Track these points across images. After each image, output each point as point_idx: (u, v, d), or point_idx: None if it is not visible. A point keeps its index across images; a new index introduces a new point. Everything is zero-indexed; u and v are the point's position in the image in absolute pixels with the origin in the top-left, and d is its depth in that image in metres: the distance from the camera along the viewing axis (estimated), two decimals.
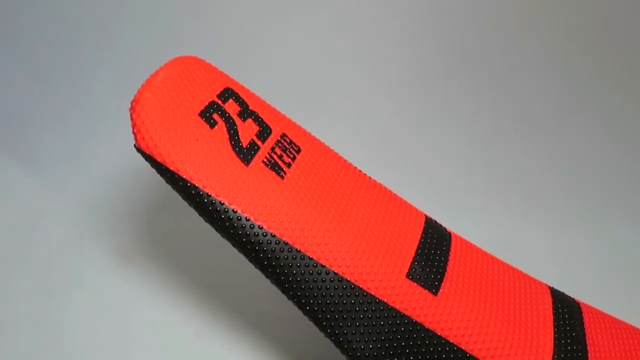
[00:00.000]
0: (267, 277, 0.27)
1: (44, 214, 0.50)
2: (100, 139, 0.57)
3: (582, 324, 0.31)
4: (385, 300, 0.27)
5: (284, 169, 0.29)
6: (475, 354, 0.27)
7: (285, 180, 0.28)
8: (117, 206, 0.51)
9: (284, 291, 0.27)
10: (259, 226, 0.26)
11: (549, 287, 0.33)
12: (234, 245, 0.27)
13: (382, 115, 0.62)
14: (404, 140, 0.60)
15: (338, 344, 0.27)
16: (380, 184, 0.33)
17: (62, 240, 0.48)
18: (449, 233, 0.32)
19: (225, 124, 0.28)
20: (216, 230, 0.27)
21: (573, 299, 0.33)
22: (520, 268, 0.34)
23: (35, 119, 0.59)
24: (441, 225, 0.33)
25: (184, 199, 0.27)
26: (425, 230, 0.31)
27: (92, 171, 0.54)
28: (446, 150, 0.59)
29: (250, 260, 0.27)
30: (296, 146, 0.30)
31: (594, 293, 0.41)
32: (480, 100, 0.63)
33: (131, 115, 0.26)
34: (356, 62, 0.61)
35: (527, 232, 0.51)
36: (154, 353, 0.40)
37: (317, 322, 0.27)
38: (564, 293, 0.33)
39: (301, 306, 0.27)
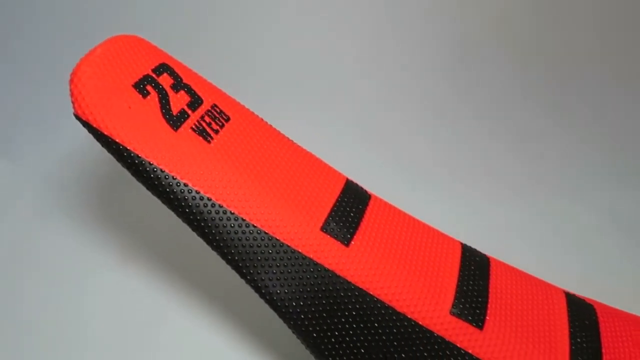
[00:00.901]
0: (193, 230, 0.30)
1: (10, 194, 0.53)
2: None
3: (488, 275, 0.34)
4: (300, 251, 0.30)
5: (212, 134, 0.32)
6: (382, 298, 0.30)
7: (212, 144, 0.31)
8: (82, 184, 0.54)
9: (208, 242, 0.30)
10: (184, 184, 0.29)
11: (461, 244, 0.36)
12: (163, 202, 0.30)
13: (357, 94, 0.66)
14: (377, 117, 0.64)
15: (257, 289, 0.30)
16: (306, 151, 0.36)
17: (29, 219, 0.50)
18: (369, 195, 0.35)
19: (158, 95, 0.31)
20: (147, 188, 0.30)
21: (484, 255, 0.36)
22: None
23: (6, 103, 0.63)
24: (362, 188, 0.36)
25: (118, 160, 0.30)
26: (344, 191, 0.34)
27: (61, 150, 0.57)
28: (414, 129, 0.62)
29: (178, 216, 0.30)
30: (226, 115, 0.33)
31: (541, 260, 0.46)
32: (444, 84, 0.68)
33: (70, 86, 0.29)
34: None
35: (484, 206, 0.54)
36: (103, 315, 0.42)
37: (238, 270, 0.30)
38: (475, 249, 0.36)
39: (223, 256, 0.30)
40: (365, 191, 0.36)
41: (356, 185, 0.36)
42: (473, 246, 0.37)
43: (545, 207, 0.54)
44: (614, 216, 0.54)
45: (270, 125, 0.36)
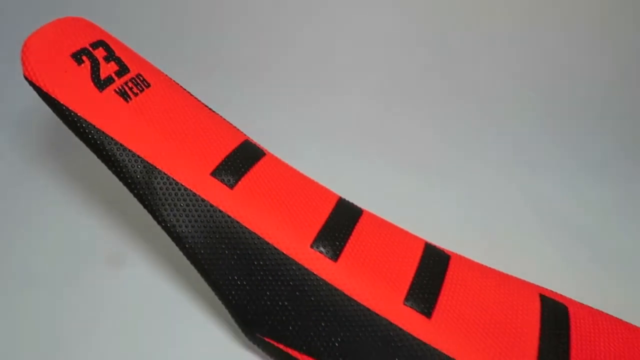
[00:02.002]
0: (112, 172, 0.38)
1: None
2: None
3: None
4: (195, 192, 0.38)
5: (131, 96, 0.40)
6: (263, 236, 0.38)
7: (129, 103, 0.39)
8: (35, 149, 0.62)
9: (124, 184, 0.38)
10: (102, 132, 0.38)
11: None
12: (88, 147, 0.38)
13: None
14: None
15: (166, 229, 0.38)
16: (215, 113, 0.44)
17: None
18: (264, 152, 0.43)
19: (91, 63, 0.39)
20: (77, 136, 0.38)
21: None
22: None
23: None
24: (258, 146, 0.43)
25: (56, 114, 0.38)
26: (241, 145, 0.42)
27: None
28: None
29: (99, 158, 0.38)
30: (147, 83, 0.42)
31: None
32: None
33: (21, 53, 0.38)
34: None
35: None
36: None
37: (147, 208, 0.38)
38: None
39: (134, 194, 0.38)
40: (261, 149, 0.43)
41: (253, 144, 0.43)
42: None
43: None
44: None
45: (190, 95, 0.44)
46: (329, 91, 0.74)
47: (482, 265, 0.43)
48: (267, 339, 0.38)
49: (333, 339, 0.37)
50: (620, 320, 0.42)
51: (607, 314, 0.42)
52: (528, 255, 0.52)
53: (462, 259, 0.43)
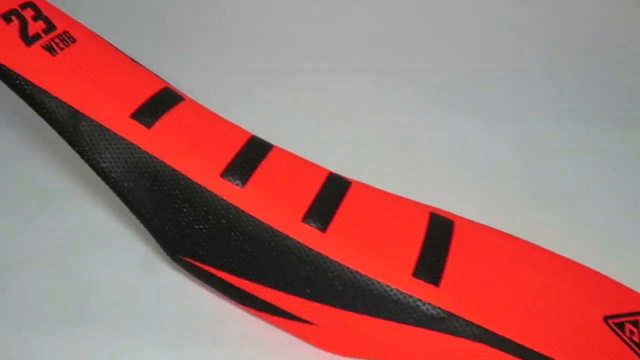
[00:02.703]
0: (42, 118, 0.43)
1: None
2: None
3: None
4: (116, 132, 0.43)
5: (57, 50, 0.44)
6: (178, 169, 0.43)
7: (56, 56, 0.44)
8: None
9: (53, 128, 0.43)
10: (30, 81, 0.42)
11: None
12: (20, 97, 0.43)
13: None
14: None
15: (86, 161, 0.43)
16: (138, 65, 0.49)
17: None
18: (182, 97, 0.48)
19: (19, 22, 0.44)
20: (9, 87, 0.43)
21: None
22: None
23: None
24: (177, 92, 0.48)
25: None
26: (161, 91, 0.46)
27: None
28: None
29: (31, 107, 0.43)
30: (73, 39, 0.46)
31: None
32: None
33: None
34: None
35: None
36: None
37: (75, 149, 0.43)
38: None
39: (62, 137, 0.43)
40: (177, 94, 0.48)
41: (170, 89, 0.48)
42: None
43: None
44: None
45: (115, 48, 0.49)
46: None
47: (381, 190, 0.48)
48: (187, 259, 0.44)
49: (243, 255, 0.42)
50: (504, 232, 0.48)
51: (492, 228, 0.48)
52: (443, 188, 0.57)
53: (362, 185, 0.48)
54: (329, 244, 0.42)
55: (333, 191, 0.46)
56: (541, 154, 0.63)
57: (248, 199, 0.43)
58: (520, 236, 0.47)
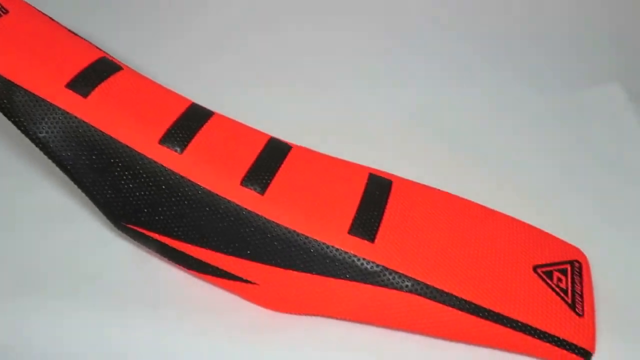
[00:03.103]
0: None
1: None
2: None
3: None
4: (52, 102, 0.43)
5: None
6: (116, 137, 0.43)
7: None
8: None
9: None
10: None
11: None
12: None
13: None
14: None
15: (23, 132, 0.43)
16: (75, 35, 0.49)
17: None
18: (121, 67, 0.48)
19: None
20: None
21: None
22: None
23: None
24: (115, 61, 0.48)
25: None
26: (98, 60, 0.46)
27: None
28: None
29: None
30: (6, 10, 0.46)
31: None
32: None
33: None
34: None
35: None
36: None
37: (11, 120, 0.43)
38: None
39: (1, 112, 0.43)
40: (115, 63, 0.48)
41: (108, 59, 0.48)
42: None
43: None
44: None
45: (50, 19, 0.49)
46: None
47: (322, 154, 0.49)
48: (130, 226, 0.45)
49: (184, 220, 0.43)
50: (442, 190, 0.49)
51: (431, 187, 0.49)
52: (388, 152, 0.58)
53: (303, 149, 0.49)
54: (267, 206, 0.43)
55: (273, 155, 0.46)
56: (483, 118, 0.64)
57: (187, 164, 0.43)
58: (462, 195, 0.49)
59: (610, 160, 0.61)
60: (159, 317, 0.44)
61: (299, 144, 0.50)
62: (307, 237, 0.42)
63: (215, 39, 0.75)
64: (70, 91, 0.44)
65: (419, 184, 0.49)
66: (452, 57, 0.73)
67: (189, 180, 0.43)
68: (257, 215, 0.43)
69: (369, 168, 0.49)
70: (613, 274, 0.48)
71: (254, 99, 0.63)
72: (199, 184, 0.43)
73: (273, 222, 0.42)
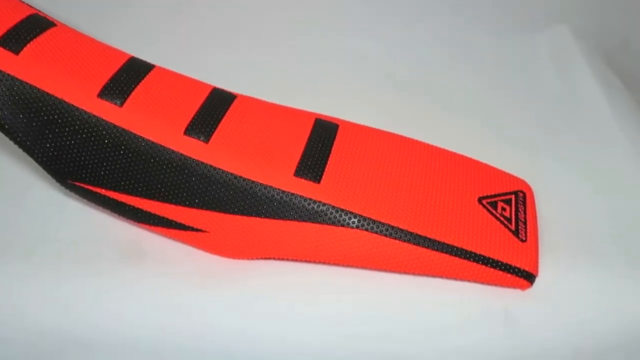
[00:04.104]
0: None
1: None
2: None
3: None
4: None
5: None
6: (53, 93, 0.42)
7: None
8: None
9: None
10: None
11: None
12: None
13: None
14: None
15: None
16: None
17: None
18: (54, 23, 0.47)
19: None
20: None
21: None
22: None
23: None
24: (48, 18, 0.47)
25: None
26: (27, 18, 0.45)
27: None
28: None
29: None
30: None
31: None
32: None
33: None
34: None
35: None
36: None
37: None
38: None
39: None
40: (47, 20, 0.47)
41: (39, 16, 0.47)
42: None
43: None
44: None
45: None
46: None
47: (268, 102, 0.49)
48: (76, 183, 0.44)
49: (129, 173, 0.43)
50: (389, 132, 0.50)
51: (378, 129, 0.50)
52: (341, 100, 0.58)
53: (248, 98, 0.49)
54: (212, 154, 0.43)
55: (216, 104, 0.46)
56: (433, 62, 0.65)
57: (128, 117, 0.43)
58: (416, 137, 0.50)
59: (557, 97, 0.62)
60: (116, 273, 0.44)
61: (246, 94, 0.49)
62: (253, 182, 0.42)
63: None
64: (1, 49, 0.42)
65: (365, 126, 0.50)
66: (400, 2, 0.73)
67: (131, 133, 0.43)
68: (202, 163, 0.42)
69: (315, 114, 0.49)
70: (557, 203, 0.50)
71: (199, 54, 0.62)
72: (141, 135, 0.43)
73: (219, 169, 0.42)
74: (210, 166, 0.43)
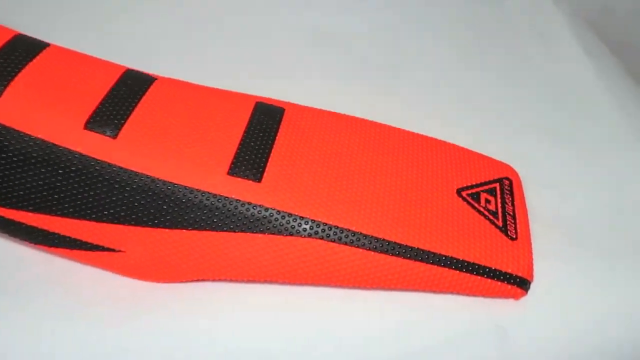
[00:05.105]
0: None
1: None
2: None
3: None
4: None
5: None
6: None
7: None
8: None
9: None
10: None
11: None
12: None
13: None
14: None
15: None
16: None
17: None
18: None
19: None
20: None
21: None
22: None
23: None
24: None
25: None
26: None
27: None
28: None
29: None
30: None
31: None
32: None
33: None
34: None
35: None
36: None
37: None
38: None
39: None
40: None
41: None
42: None
43: None
44: None
45: None
46: None
47: (196, 85, 0.40)
48: None
49: (18, 183, 0.33)
50: (348, 115, 0.42)
51: (334, 112, 0.41)
52: (296, 77, 0.50)
53: (171, 81, 0.40)
54: (121, 152, 0.34)
55: (129, 90, 0.37)
56: (406, 33, 0.57)
57: (10, 110, 0.33)
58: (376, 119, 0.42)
59: (540, 68, 0.55)
60: (12, 303, 0.34)
61: (179, 77, 0.40)
62: (175, 185, 0.33)
63: None
64: None
65: (318, 109, 0.41)
66: None
67: (16, 131, 0.33)
68: (109, 164, 0.33)
69: (256, 97, 0.40)
70: (548, 190, 0.43)
71: (118, 30, 0.52)
72: (29, 134, 0.33)
73: (131, 171, 0.33)
74: (120, 168, 0.33)
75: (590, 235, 0.40)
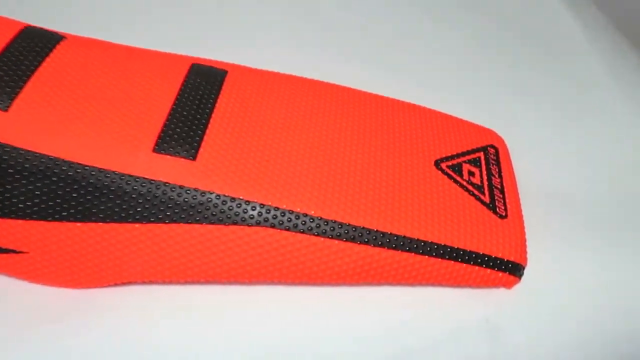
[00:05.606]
0: None
1: None
2: None
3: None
4: None
5: None
6: None
7: None
8: None
9: None
10: None
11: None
12: None
13: None
14: None
15: None
16: None
17: None
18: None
19: None
20: None
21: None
22: None
23: None
24: None
25: None
26: None
27: None
28: None
29: None
30: None
31: None
32: None
33: None
34: None
35: None
36: None
37: None
38: None
39: None
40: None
41: None
42: None
43: None
44: None
45: None
46: None
47: (117, 44, 0.33)
48: None
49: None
50: (308, 78, 0.35)
51: (289, 74, 0.35)
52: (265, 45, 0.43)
53: (81, 39, 0.32)
54: (14, 128, 0.26)
55: (25, 50, 0.29)
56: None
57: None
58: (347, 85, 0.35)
59: (523, 27, 0.49)
60: None
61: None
62: (85, 167, 0.26)
63: None
64: None
65: (268, 71, 0.34)
66: None
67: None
68: (5, 144, 0.26)
69: (193, 58, 0.33)
70: (537, 159, 0.37)
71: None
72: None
73: (29, 151, 0.26)
74: (14, 148, 0.26)
75: (586, 209, 0.35)
